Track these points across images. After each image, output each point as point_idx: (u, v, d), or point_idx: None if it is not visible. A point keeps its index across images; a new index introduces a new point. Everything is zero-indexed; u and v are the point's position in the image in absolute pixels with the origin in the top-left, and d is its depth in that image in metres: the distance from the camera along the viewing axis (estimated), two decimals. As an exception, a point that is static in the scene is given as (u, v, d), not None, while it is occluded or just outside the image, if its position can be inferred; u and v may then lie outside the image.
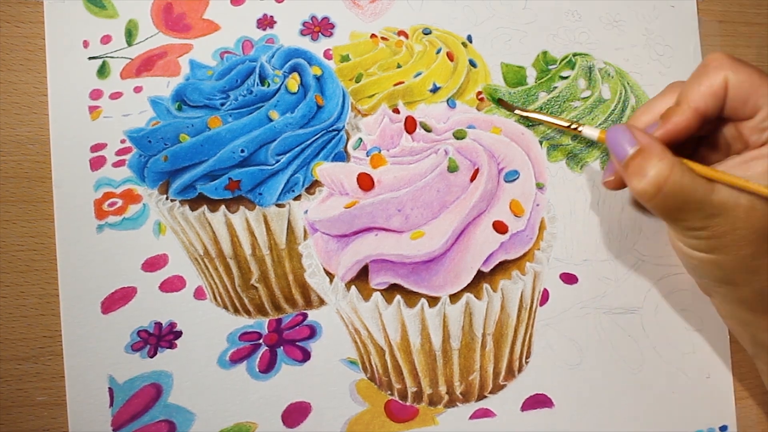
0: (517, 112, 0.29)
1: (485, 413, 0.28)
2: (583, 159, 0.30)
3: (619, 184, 0.26)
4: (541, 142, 0.30)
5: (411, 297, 0.26)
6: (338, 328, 0.27)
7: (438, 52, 0.29)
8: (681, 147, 0.24)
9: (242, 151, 0.26)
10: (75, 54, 0.26)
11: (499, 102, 0.29)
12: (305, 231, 0.27)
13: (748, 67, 0.23)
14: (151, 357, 0.25)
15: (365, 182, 0.26)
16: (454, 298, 0.26)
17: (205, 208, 0.26)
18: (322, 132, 0.27)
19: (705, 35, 0.33)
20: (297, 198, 0.27)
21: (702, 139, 0.26)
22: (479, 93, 0.30)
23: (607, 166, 0.28)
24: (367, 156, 0.27)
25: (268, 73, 0.27)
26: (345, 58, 0.28)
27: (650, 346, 0.30)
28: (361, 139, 0.28)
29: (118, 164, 0.26)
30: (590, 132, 0.26)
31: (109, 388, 0.25)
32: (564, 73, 0.31)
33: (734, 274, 0.24)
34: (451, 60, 0.29)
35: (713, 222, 0.23)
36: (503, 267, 0.26)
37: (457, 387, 0.28)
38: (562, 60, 0.31)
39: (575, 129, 0.27)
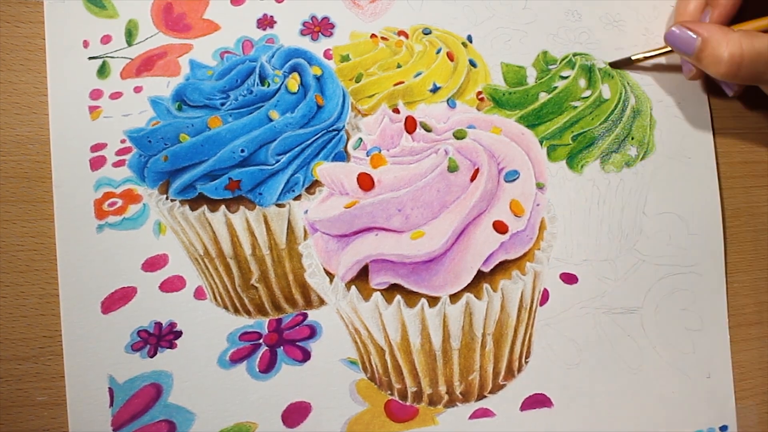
0: (633, 57, 0.30)
1: (485, 413, 0.28)
2: (584, 159, 0.30)
3: (701, 74, 0.28)
4: (541, 142, 0.30)
5: (411, 297, 0.26)
6: (338, 328, 0.27)
7: (438, 52, 0.30)
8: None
9: (242, 151, 0.26)
10: (75, 54, 0.26)
11: (612, 65, 0.30)
12: (305, 231, 0.27)
13: None
14: (151, 357, 0.25)
15: (365, 182, 0.26)
16: (454, 298, 0.26)
17: (205, 208, 0.26)
18: (322, 132, 0.27)
19: None
20: (297, 198, 0.27)
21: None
22: (479, 93, 0.30)
23: (683, 62, 0.29)
24: (367, 156, 0.27)
25: (268, 73, 0.27)
26: (345, 58, 0.29)
27: (650, 346, 0.31)
28: (361, 139, 0.28)
29: (118, 164, 0.26)
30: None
31: (109, 388, 0.25)
32: (564, 73, 0.31)
33: None
34: (451, 60, 0.30)
35: None
36: (503, 267, 0.26)
37: (457, 387, 0.28)
38: (563, 60, 0.31)
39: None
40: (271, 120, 0.26)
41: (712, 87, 0.32)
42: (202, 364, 0.26)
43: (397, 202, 0.25)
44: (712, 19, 0.26)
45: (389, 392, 0.27)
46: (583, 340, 0.30)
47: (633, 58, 0.30)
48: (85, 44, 0.26)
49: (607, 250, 0.30)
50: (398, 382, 0.27)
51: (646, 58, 0.30)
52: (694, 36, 0.25)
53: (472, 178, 0.26)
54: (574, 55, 0.31)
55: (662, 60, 0.32)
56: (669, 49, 0.28)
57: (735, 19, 0.27)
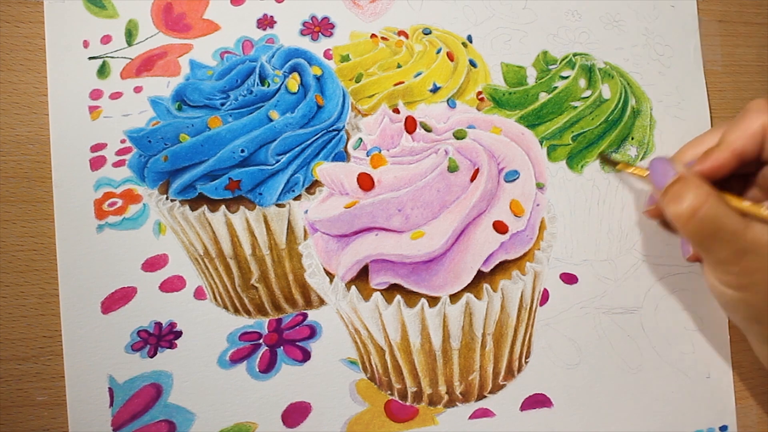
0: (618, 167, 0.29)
1: (485, 413, 0.28)
2: (583, 159, 0.30)
3: (659, 213, 0.28)
4: (541, 142, 0.30)
5: (411, 297, 0.26)
6: (338, 328, 0.27)
7: (438, 52, 0.30)
8: (726, 187, 0.25)
9: (242, 151, 0.26)
10: (75, 54, 0.26)
11: (602, 159, 0.30)
12: (305, 231, 0.27)
13: None
14: (151, 357, 0.25)
15: (365, 182, 0.26)
16: (454, 298, 0.26)
17: (205, 208, 0.26)
18: (323, 132, 0.27)
19: (705, 35, 0.33)
20: (297, 198, 0.27)
21: (747, 180, 0.27)
22: (479, 93, 0.30)
23: (648, 196, 0.29)
24: (368, 156, 0.27)
25: (268, 73, 0.27)
26: (345, 58, 0.29)
27: (650, 346, 0.31)
28: (361, 139, 0.28)
29: (118, 164, 0.26)
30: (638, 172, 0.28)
31: (109, 388, 0.25)
32: (564, 73, 0.31)
33: (765, 314, 0.24)
34: (451, 60, 0.30)
35: (745, 258, 0.23)
36: (503, 267, 0.26)
37: (457, 387, 0.28)
38: (563, 60, 0.31)
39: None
40: (271, 120, 0.26)
41: (711, 88, 0.33)
42: (202, 364, 0.26)
43: (397, 202, 0.25)
44: (696, 167, 0.25)
45: (389, 392, 0.28)
46: (583, 340, 0.30)
47: (612, 167, 0.30)
48: (85, 44, 0.26)
49: (607, 250, 0.30)
50: (398, 382, 0.27)
51: (620, 168, 0.29)
52: (674, 171, 0.25)
53: (472, 178, 0.26)
54: (574, 55, 0.31)
55: (661, 61, 0.32)
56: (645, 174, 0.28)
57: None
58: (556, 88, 0.30)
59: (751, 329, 0.26)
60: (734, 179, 0.27)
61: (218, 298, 0.26)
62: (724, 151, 0.25)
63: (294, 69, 0.27)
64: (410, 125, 0.27)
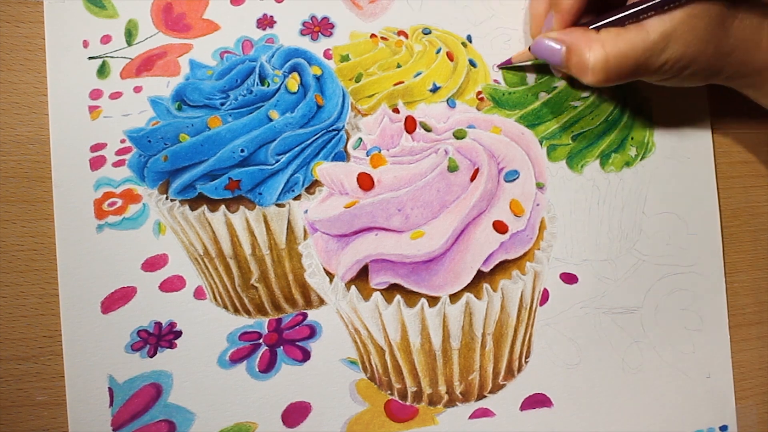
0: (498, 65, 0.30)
1: (485, 413, 0.28)
2: (584, 159, 0.31)
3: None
4: (541, 142, 0.30)
5: (411, 297, 0.26)
6: (338, 328, 0.27)
7: (438, 51, 0.30)
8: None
9: (242, 150, 0.26)
10: (75, 54, 0.26)
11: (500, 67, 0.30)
12: (305, 231, 0.27)
13: None
14: (151, 357, 0.25)
15: (365, 182, 0.26)
16: (454, 297, 0.26)
17: (205, 207, 0.26)
18: (322, 132, 0.27)
19: None
20: (297, 198, 0.27)
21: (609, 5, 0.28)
22: (479, 93, 0.30)
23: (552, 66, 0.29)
24: (367, 156, 0.27)
25: (268, 72, 0.27)
26: (345, 58, 0.29)
27: (650, 346, 0.31)
28: (361, 139, 0.28)
29: (118, 164, 0.26)
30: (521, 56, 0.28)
31: (109, 387, 0.25)
32: None
33: (720, 70, 0.26)
34: (451, 60, 0.30)
35: (668, 53, 0.24)
36: (503, 267, 0.26)
37: (457, 387, 0.28)
38: None
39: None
40: (270, 120, 0.26)
41: (712, 87, 0.33)
42: (202, 363, 0.26)
43: (397, 202, 0.25)
44: (556, 24, 0.26)
45: (389, 392, 0.28)
46: (583, 340, 0.30)
47: (497, 65, 0.30)
48: (85, 44, 0.26)
49: (607, 249, 0.30)
50: (398, 382, 0.27)
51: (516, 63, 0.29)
52: (558, 46, 0.25)
53: (472, 178, 0.26)
54: None
55: None
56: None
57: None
58: (555, 88, 0.30)
59: (729, 83, 0.27)
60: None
61: (218, 297, 0.27)
62: None
63: (294, 69, 0.27)
64: (410, 125, 0.27)
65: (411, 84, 0.29)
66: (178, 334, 0.26)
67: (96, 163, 0.26)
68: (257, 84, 0.27)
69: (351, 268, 0.26)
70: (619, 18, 0.24)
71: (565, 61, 0.25)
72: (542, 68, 0.30)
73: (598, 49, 0.24)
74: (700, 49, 0.25)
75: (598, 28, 0.25)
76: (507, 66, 0.30)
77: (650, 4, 0.24)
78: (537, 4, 0.28)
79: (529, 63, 0.30)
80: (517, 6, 0.31)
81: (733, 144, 0.33)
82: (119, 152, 0.26)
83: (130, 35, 0.26)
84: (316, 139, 0.27)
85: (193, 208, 0.26)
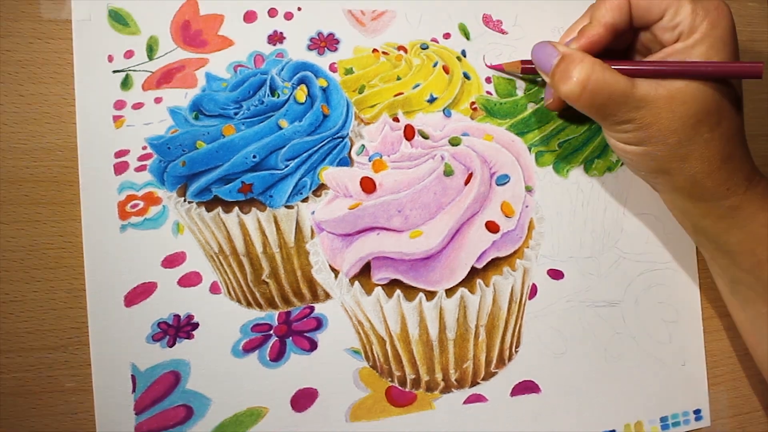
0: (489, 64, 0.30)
1: (478, 398, 0.29)
2: (569, 164, 0.31)
3: (559, 104, 0.28)
4: (530, 149, 0.31)
5: (410, 291, 0.27)
6: (343, 320, 0.28)
7: (435, 65, 0.30)
8: (611, 58, 0.25)
9: (254, 156, 0.27)
10: (100, 68, 0.26)
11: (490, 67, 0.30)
12: (312, 230, 0.28)
13: None
14: (171, 347, 0.26)
15: (368, 185, 0.27)
16: (450, 292, 0.27)
17: (219, 209, 0.27)
18: (328, 139, 0.28)
19: None
20: (305, 200, 0.28)
21: (628, 51, 0.28)
22: (473, 103, 0.30)
23: (546, 88, 0.30)
24: (370, 161, 0.28)
25: (278, 84, 0.28)
26: (349, 71, 0.29)
27: (630, 336, 0.32)
28: (363, 146, 0.28)
29: (139, 169, 0.26)
30: (512, 64, 0.29)
31: (132, 375, 0.25)
32: None
33: (666, 163, 0.25)
34: (447, 73, 0.30)
35: (638, 114, 0.24)
36: (495, 263, 0.27)
37: (452, 374, 0.29)
38: None
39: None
40: (280, 128, 0.27)
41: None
42: (218, 353, 0.26)
43: (397, 204, 0.26)
44: (572, 45, 0.26)
45: (390, 379, 0.28)
46: (569, 331, 0.31)
47: (488, 64, 0.30)
48: (110, 59, 0.26)
49: (591, 247, 0.31)
50: (398, 369, 0.28)
51: (507, 67, 0.30)
52: (556, 51, 0.25)
53: (466, 182, 0.27)
54: None
55: None
56: (530, 66, 0.28)
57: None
58: (543, 98, 0.31)
59: (657, 181, 0.27)
60: (617, 55, 0.27)
61: (232, 292, 0.27)
62: (596, 26, 0.25)
63: (302, 81, 0.28)
64: (409, 133, 0.28)
65: (410, 95, 0.30)
66: (196, 325, 0.26)
67: (120, 168, 0.26)
68: (268, 95, 0.27)
69: (355, 265, 0.27)
70: (621, 68, 0.24)
71: (554, 66, 0.25)
72: (528, 80, 0.31)
73: (587, 68, 0.24)
74: (664, 134, 0.24)
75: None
76: (496, 69, 0.30)
77: (655, 68, 0.23)
78: (564, 36, 0.28)
79: (516, 73, 0.30)
80: (508, 24, 0.31)
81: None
82: (141, 158, 0.26)
83: (151, 50, 0.27)
84: (323, 145, 0.28)
85: (208, 210, 0.27)
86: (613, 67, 0.24)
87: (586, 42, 0.26)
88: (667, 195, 0.28)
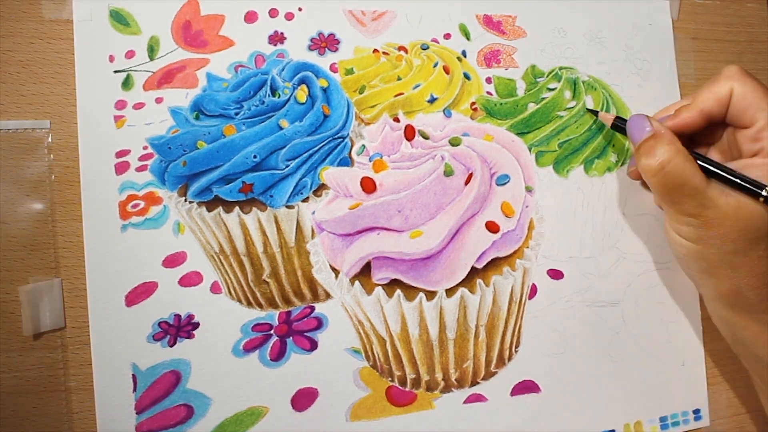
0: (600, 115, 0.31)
1: (478, 398, 0.29)
2: (569, 164, 0.32)
3: (639, 175, 0.29)
4: (530, 149, 0.31)
5: (410, 291, 0.27)
6: (343, 320, 0.28)
7: (435, 65, 0.30)
8: (691, 147, 0.26)
9: (255, 156, 0.27)
10: (101, 68, 0.26)
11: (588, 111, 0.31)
12: (313, 230, 0.28)
13: (755, 82, 0.26)
14: (171, 346, 0.26)
15: (368, 185, 0.27)
16: (450, 292, 0.27)
17: (220, 209, 0.27)
18: (329, 139, 0.28)
19: (680, 51, 0.35)
20: (305, 200, 0.28)
21: (710, 144, 0.29)
22: (473, 103, 0.31)
23: (630, 158, 0.31)
24: (370, 161, 0.28)
25: (279, 85, 0.28)
26: (349, 71, 0.29)
27: (630, 336, 0.32)
28: (364, 146, 0.28)
29: (140, 169, 0.26)
30: (606, 117, 0.30)
31: (133, 374, 0.25)
32: (551, 85, 0.32)
33: (716, 267, 0.26)
34: (447, 73, 0.30)
35: (704, 212, 0.25)
36: (495, 263, 0.27)
37: (452, 374, 0.29)
38: (549, 73, 0.32)
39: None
40: (281, 128, 0.27)
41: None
42: (218, 352, 0.26)
43: (397, 204, 0.26)
44: (666, 122, 0.27)
45: (390, 379, 0.28)
46: (569, 331, 0.31)
47: (595, 115, 0.31)
48: (111, 59, 0.27)
49: (591, 248, 0.31)
50: (398, 369, 0.28)
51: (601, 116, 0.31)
52: (649, 127, 0.26)
53: (467, 182, 0.27)
54: (560, 68, 0.32)
55: (639, 75, 0.34)
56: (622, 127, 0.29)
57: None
58: (543, 99, 0.31)
59: (703, 282, 0.27)
60: (701, 145, 0.28)
61: (233, 292, 0.27)
62: (693, 110, 0.27)
63: (302, 81, 0.28)
64: (409, 133, 0.28)
65: (410, 95, 0.30)
66: (196, 325, 0.26)
67: (120, 168, 0.26)
68: (269, 95, 0.28)
69: (355, 265, 0.27)
70: (705, 167, 0.25)
71: (643, 140, 0.26)
72: (531, 83, 0.32)
73: (671, 152, 0.25)
74: (722, 240, 0.24)
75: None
76: (592, 111, 0.31)
77: (730, 178, 0.25)
78: (662, 111, 0.29)
79: (602, 119, 0.31)
80: (508, 23, 0.32)
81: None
82: (142, 158, 0.27)
83: (152, 50, 0.27)
84: (323, 146, 0.28)
85: (209, 210, 0.27)
86: (697, 161, 0.25)
87: (679, 122, 0.27)
88: (710, 302, 0.28)
